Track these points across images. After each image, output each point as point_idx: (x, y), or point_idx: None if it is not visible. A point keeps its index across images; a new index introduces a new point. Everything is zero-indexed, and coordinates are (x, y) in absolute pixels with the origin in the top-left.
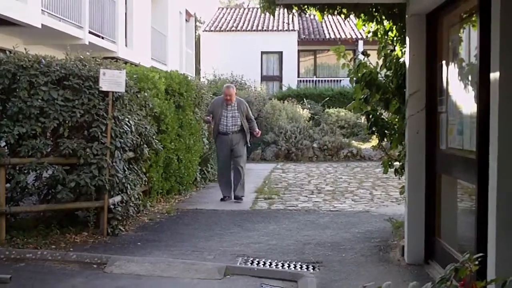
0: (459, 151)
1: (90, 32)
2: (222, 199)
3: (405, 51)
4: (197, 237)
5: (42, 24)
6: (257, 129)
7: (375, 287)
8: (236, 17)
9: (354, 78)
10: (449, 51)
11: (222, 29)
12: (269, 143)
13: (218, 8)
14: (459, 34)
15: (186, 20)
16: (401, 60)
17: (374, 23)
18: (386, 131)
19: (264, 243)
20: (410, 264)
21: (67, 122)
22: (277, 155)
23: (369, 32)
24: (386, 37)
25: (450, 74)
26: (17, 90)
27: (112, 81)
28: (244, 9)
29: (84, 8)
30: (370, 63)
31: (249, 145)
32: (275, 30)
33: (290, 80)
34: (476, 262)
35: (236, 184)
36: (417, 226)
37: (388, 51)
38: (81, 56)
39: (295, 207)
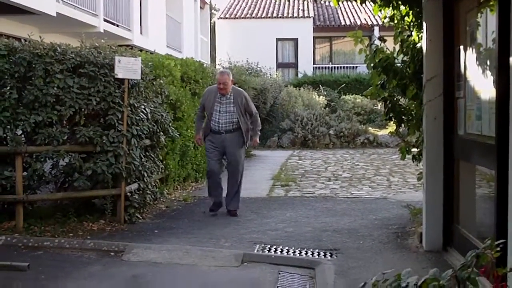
0: (478, 136)
1: (105, 20)
2: (210, 210)
3: (422, 36)
4: (214, 224)
5: (57, 12)
6: (257, 135)
7: (394, 274)
8: (251, 4)
9: (371, 64)
10: (467, 36)
11: (237, 16)
12: (285, 130)
13: None
14: (477, 19)
15: (201, 7)
16: (418, 45)
17: (391, 8)
18: (403, 117)
19: (281, 230)
20: (428, 251)
21: (83, 110)
22: (293, 142)
23: (385, 17)
24: (402, 22)
25: (468, 59)
26: (33, 78)
27: (127, 68)
28: None
29: None
30: (387, 48)
31: (247, 147)
32: (290, 17)
33: (305, 67)
34: (497, 249)
35: (229, 194)
36: (435, 212)
37: (405, 36)
38: (96, 44)
39: (312, 194)
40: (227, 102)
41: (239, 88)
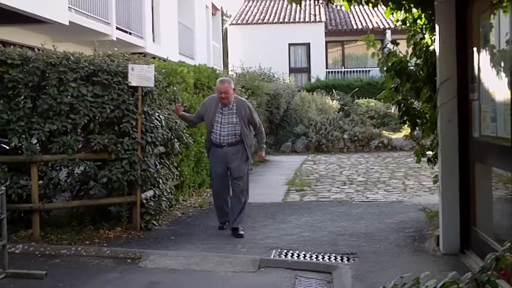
0: (493, 138)
1: (117, 28)
2: (220, 228)
3: (434, 39)
4: (230, 230)
5: (69, 21)
6: (263, 150)
7: (412, 278)
8: (263, 10)
9: (384, 68)
10: (480, 37)
11: (248, 22)
12: (299, 135)
13: (244, 1)
14: (490, 20)
15: (212, 14)
16: (431, 48)
17: (403, 11)
18: (417, 120)
19: (297, 235)
20: (445, 254)
21: (97, 118)
22: (307, 147)
23: (397, 20)
24: (415, 25)
25: (482, 61)
26: (47, 87)
27: (141, 76)
28: (270, 1)
29: (111, 4)
30: (399, 52)
31: (252, 162)
32: (302, 22)
33: (318, 72)
34: None
35: (233, 212)
36: (452, 215)
37: (418, 39)
38: (109, 52)
39: (327, 198)
40: (230, 113)
41: (242, 98)
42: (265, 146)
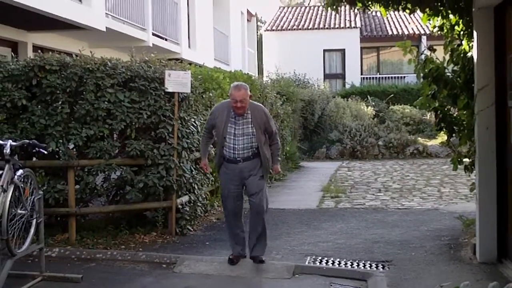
0: None
1: (153, 34)
2: (230, 260)
3: (472, 45)
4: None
5: (106, 27)
6: (278, 162)
7: (451, 287)
8: (297, 16)
9: (421, 74)
10: None
11: (283, 28)
12: (333, 141)
13: (279, 8)
14: None
15: (247, 20)
16: (469, 54)
17: (440, 17)
18: (454, 127)
19: (332, 242)
20: (482, 263)
21: (134, 123)
22: (342, 153)
23: (434, 27)
24: (452, 31)
25: None
26: (84, 92)
27: (177, 82)
28: (305, 7)
29: (147, 10)
30: (436, 58)
31: (269, 183)
32: (337, 28)
33: (353, 78)
34: None
35: (251, 237)
36: (489, 223)
37: (455, 45)
38: (146, 58)
39: (362, 205)
40: (244, 122)
41: (257, 103)
42: (280, 158)
